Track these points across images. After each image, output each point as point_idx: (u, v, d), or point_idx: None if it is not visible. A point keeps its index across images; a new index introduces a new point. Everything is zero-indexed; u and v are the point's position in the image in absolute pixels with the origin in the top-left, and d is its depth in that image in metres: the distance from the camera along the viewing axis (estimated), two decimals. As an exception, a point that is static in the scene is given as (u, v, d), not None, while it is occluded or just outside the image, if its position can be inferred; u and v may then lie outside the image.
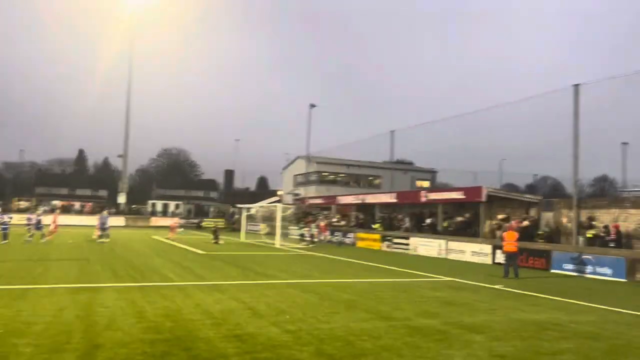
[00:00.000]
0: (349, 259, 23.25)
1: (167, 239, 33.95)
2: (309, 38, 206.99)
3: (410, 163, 74.09)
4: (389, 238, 31.51)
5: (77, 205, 68.04)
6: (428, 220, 31.60)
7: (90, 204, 69.67)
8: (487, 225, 27.29)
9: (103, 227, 29.26)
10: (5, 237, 25.20)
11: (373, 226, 34.70)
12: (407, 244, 29.77)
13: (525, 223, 24.38)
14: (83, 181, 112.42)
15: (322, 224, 37.46)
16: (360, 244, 34.02)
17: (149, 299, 10.66)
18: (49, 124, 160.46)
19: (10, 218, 27.78)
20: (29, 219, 28.05)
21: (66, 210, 65.23)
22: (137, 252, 23.22)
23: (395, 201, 34.93)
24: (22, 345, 6.77)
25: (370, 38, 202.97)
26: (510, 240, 17.99)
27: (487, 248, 24.14)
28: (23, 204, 64.64)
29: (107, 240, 28.54)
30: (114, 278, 13.99)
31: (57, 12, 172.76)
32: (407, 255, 27.97)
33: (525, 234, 23.09)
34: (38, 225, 27.32)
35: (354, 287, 13.79)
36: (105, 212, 36.62)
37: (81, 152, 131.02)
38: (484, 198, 26.84)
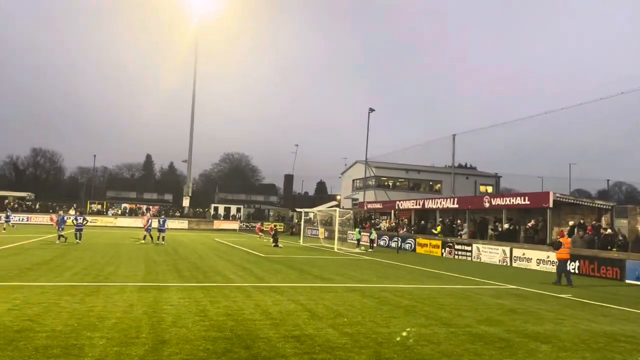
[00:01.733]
0: (408, 265, 22.95)
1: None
2: (367, 41, 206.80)
3: (473, 168, 72.26)
4: (450, 244, 30.85)
5: (144, 208, 71.06)
6: (491, 227, 30.69)
7: (156, 207, 72.52)
8: (555, 233, 26.14)
9: (159, 229, 30.00)
10: (79, 237, 26.69)
11: (434, 231, 34.06)
12: (469, 251, 29.03)
13: (609, 231, 23.13)
14: (150, 185, 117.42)
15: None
16: (420, 250, 33.50)
17: (212, 299, 10.98)
18: (119, 131, 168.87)
19: (86, 220, 29.20)
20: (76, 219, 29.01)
21: (134, 213, 68.22)
22: (200, 254, 23.96)
23: (456, 207, 34.18)
24: (96, 338, 7.16)
25: (429, 40, 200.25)
26: (566, 247, 17.49)
27: (555, 256, 23.10)
28: (95, 206, 68.22)
29: (146, 241, 29.33)
30: (179, 278, 14.51)
31: (125, 22, 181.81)
32: (468, 262, 27.28)
33: (605, 242, 21.99)
34: (78, 227, 27.49)
35: (413, 293, 13.60)
36: (149, 214, 38.47)
37: (148, 157, 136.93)
38: (550, 204, 25.76)
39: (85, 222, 28.64)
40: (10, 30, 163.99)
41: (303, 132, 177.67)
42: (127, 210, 68.90)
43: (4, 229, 37.49)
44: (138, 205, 72.76)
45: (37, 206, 63.33)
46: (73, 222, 29.65)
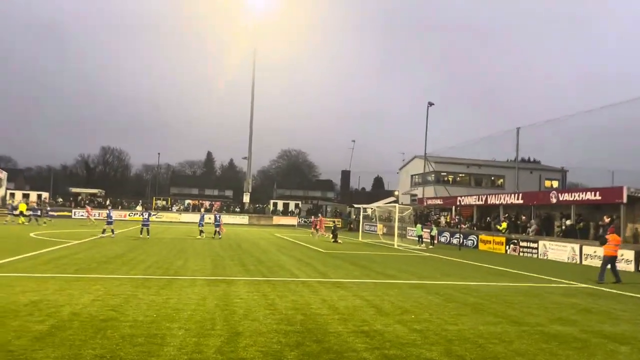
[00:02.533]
0: (472, 262, 22.49)
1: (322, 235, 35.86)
2: (424, 34, 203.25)
3: (537, 162, 69.64)
4: (514, 241, 29.95)
5: (206, 204, 73.24)
6: (558, 223, 29.51)
7: (218, 202, 74.57)
8: (629, 229, 24.83)
9: (215, 224, 31.08)
10: (146, 232, 27.92)
11: (499, 227, 33.15)
12: (535, 248, 28.07)
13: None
14: (211, 182, 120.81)
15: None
16: (482, 247, 32.73)
17: (279, 293, 11.24)
18: (181, 129, 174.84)
19: (150, 215, 30.40)
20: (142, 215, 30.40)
21: (196, 209, 70.40)
22: (263, 248, 24.49)
23: (521, 202, 33.11)
24: (175, 329, 7.52)
25: (489, 31, 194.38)
26: (613, 244, 16.67)
27: (630, 254, 21.97)
28: (160, 202, 70.99)
29: (220, 236, 30.35)
30: (245, 272, 14.91)
31: (184, 22, 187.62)
32: (535, 260, 26.41)
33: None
34: (145, 223, 28.53)
35: (480, 291, 13.34)
36: (215, 211, 39.89)
37: (209, 154, 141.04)
38: (624, 199, 24.47)
39: (151, 215, 30.02)
40: (82, 35, 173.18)
41: (360, 128, 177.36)
42: (190, 206, 71.21)
43: (91, 223, 39.70)
44: (200, 201, 75.04)
45: (107, 202, 66.57)
46: (142, 218, 30.99)
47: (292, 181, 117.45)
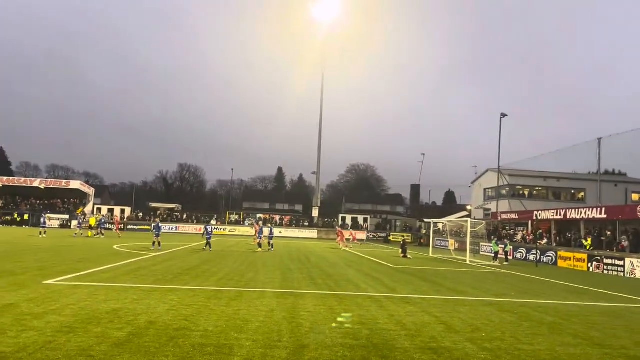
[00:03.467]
0: (550, 280, 21.37)
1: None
2: (494, 43, 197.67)
3: (623, 174, 65.27)
4: (598, 258, 28.14)
5: (277, 218, 74.60)
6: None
7: (288, 217, 75.70)
8: None
9: (269, 237, 31.53)
10: (209, 245, 29.11)
11: (584, 243, 31.26)
12: (621, 265, 26.24)
13: None
14: (281, 196, 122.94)
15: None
16: (562, 263, 31.01)
17: (346, 307, 11.21)
18: (253, 145, 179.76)
19: (211, 228, 30.99)
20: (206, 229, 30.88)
21: (268, 222, 71.73)
22: (331, 262, 24.55)
23: (604, 217, 31.14)
24: (243, 340, 7.70)
25: (565, 39, 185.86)
26: None
27: None
28: (234, 217, 73.11)
29: (260, 249, 30.73)
30: (313, 286, 15.01)
31: (255, 39, 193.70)
32: (621, 278, 24.67)
33: None
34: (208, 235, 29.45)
35: (558, 310, 12.63)
36: (261, 223, 40.51)
37: (280, 169, 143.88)
38: None
39: (214, 229, 31.26)
40: (156, 60, 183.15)
41: (430, 141, 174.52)
42: (262, 220, 72.72)
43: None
44: (271, 215, 76.50)
45: (184, 217, 69.44)
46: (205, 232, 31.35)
47: (361, 195, 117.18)
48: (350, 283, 16.11)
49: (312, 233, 66.60)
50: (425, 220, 61.93)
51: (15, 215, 64.10)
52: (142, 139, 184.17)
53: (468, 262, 29.52)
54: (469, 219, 34.42)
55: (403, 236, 54.44)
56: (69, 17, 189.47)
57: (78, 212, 60.45)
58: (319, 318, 9.77)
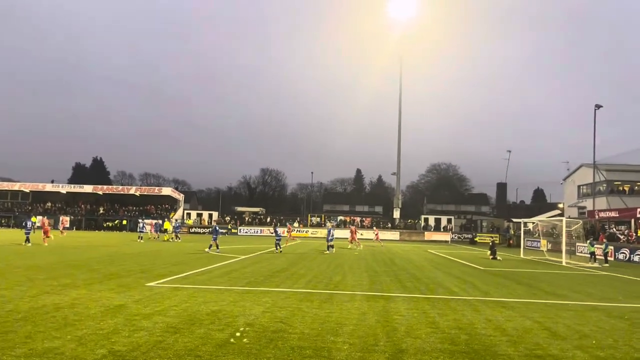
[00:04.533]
0: (660, 282, 19.64)
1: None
2: (576, 33, 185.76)
3: None
4: None
5: (357, 220, 74.58)
6: None
7: (369, 218, 75.46)
8: None
9: (330, 238, 31.56)
10: (278, 247, 30.20)
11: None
12: None
13: None
14: (361, 198, 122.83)
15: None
16: (671, 264, 28.43)
17: (439, 311, 10.93)
18: (332, 148, 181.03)
19: (297, 229, 32.34)
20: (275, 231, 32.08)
21: (347, 224, 71.86)
22: (417, 265, 24.11)
23: None
24: (339, 343, 7.71)
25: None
26: None
27: None
28: (315, 219, 73.95)
29: (334, 250, 30.88)
30: (402, 288, 14.80)
31: (332, 41, 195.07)
32: None
33: None
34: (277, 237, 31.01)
35: (675, 316, 11.55)
36: (329, 225, 40.18)
37: (358, 171, 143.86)
38: None
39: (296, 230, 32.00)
40: (234, 70, 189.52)
41: (516, 137, 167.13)
42: (343, 222, 72.98)
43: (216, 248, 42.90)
44: (352, 217, 76.56)
45: (268, 219, 71.23)
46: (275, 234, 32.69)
47: (443, 195, 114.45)
48: (440, 286, 15.71)
49: (394, 235, 65.88)
50: (514, 220, 59.34)
51: (116, 222, 68.84)
52: (226, 146, 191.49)
53: (564, 264, 27.85)
54: (564, 218, 32.50)
55: (491, 237, 52.53)
56: (143, 30, 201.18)
57: (171, 216, 63.85)
58: (413, 322, 9.59)
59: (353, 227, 43.50)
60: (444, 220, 71.32)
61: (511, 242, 54.55)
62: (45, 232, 32.44)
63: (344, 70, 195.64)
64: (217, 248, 29.42)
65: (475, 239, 61.86)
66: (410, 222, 73.92)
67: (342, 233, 66.99)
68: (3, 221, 68.45)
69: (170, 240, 41.05)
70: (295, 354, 6.97)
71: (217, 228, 30.70)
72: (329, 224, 62.82)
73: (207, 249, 29.02)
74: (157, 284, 13.89)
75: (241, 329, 8.30)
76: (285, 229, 44.10)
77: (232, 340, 7.59)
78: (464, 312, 10.87)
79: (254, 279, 15.71)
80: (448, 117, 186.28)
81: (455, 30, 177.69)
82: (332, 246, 31.31)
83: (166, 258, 23.04)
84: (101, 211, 72.10)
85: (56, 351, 6.71)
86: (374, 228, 58.79)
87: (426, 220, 71.98)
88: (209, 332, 8.15)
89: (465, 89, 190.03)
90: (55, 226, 61.97)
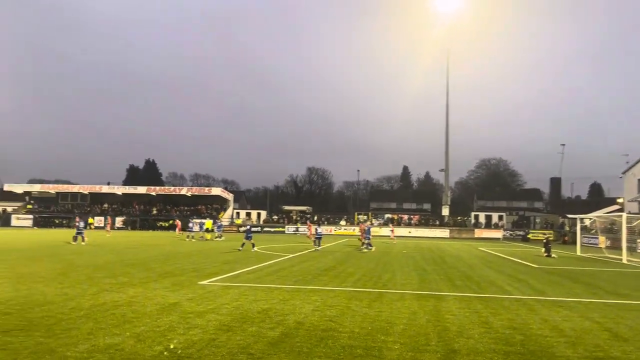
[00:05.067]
0: None
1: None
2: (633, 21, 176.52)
3: None
4: None
5: (405, 217, 73.87)
6: None
7: (417, 216, 74.58)
8: None
9: (367, 237, 31.16)
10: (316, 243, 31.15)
11: None
12: None
13: None
14: (408, 195, 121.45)
15: None
16: None
17: (492, 310, 10.68)
18: (378, 145, 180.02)
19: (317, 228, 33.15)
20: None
21: (397, 223, 71.30)
22: (468, 263, 23.63)
23: None
24: (390, 342, 7.67)
25: None
26: None
27: None
28: (362, 217, 73.75)
29: (373, 248, 30.67)
30: (453, 287, 14.54)
31: (374, 38, 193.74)
32: None
33: None
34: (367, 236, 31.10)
35: None
36: (368, 223, 39.87)
37: (405, 168, 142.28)
38: None
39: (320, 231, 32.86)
40: (279, 68, 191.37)
41: (569, 130, 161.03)
42: (390, 220, 72.46)
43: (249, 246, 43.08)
44: (399, 215, 75.92)
45: (315, 218, 71.60)
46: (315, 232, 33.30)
47: (494, 192, 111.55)
48: (492, 285, 15.34)
49: (444, 232, 64.86)
50: (569, 216, 57.17)
51: (170, 222, 70.90)
52: (273, 145, 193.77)
53: (624, 261, 26.60)
54: (623, 213, 31.05)
55: (545, 234, 50.93)
56: (189, 31, 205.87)
57: (220, 216, 65.23)
58: (466, 322, 9.41)
59: (362, 225, 43.30)
60: (495, 217, 69.58)
61: (566, 239, 52.63)
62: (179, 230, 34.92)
63: (389, 65, 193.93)
64: (253, 247, 29.14)
65: (528, 236, 60.05)
66: (459, 219, 72.56)
67: (372, 231, 66.42)
68: (64, 222, 71.76)
69: (214, 239, 41.66)
70: (346, 353, 6.98)
71: (251, 228, 31.26)
72: (367, 223, 62.64)
73: (240, 248, 28.76)
74: (209, 282, 14.23)
75: (175, 340, 7.44)
76: (315, 227, 44.10)
77: (165, 353, 6.81)
78: (518, 312, 10.57)
79: (303, 278, 15.83)
80: (498, 111, 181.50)
81: (503, 20, 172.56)
82: (370, 244, 31.06)
83: (217, 257, 23.55)
84: (154, 211, 74.49)
85: (116, 347, 6.99)
86: (390, 225, 58.99)
87: (476, 217, 70.43)
88: (261, 330, 8.28)
89: (514, 81, 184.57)
90: (112, 226, 64.50)
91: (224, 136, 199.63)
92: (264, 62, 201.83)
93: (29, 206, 79.13)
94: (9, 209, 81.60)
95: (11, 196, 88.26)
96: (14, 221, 73.82)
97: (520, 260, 25.95)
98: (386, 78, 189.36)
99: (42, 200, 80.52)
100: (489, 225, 67.91)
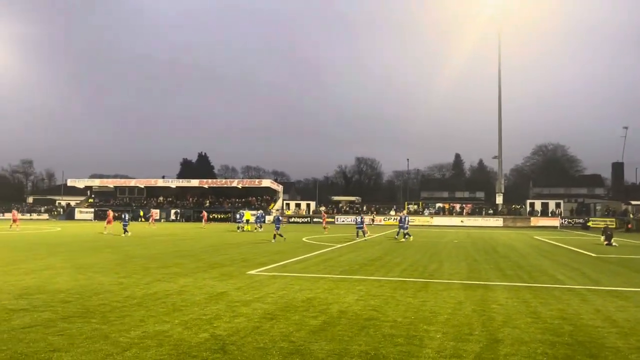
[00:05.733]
0: None
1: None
2: None
3: None
4: None
5: (457, 207, 72.52)
6: None
7: (469, 205, 73.06)
8: None
9: (403, 226, 30.64)
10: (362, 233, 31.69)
11: None
12: None
13: None
14: (460, 184, 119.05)
15: None
16: None
17: (541, 300, 10.38)
18: (428, 133, 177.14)
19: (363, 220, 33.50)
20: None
21: (449, 212, 70.15)
22: (521, 252, 23.01)
23: None
24: (432, 332, 7.62)
25: None
26: None
27: None
28: (412, 207, 73.01)
29: (411, 238, 29.94)
30: (502, 277, 14.22)
31: (430, 24, 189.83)
32: None
33: None
34: (404, 225, 30.65)
35: None
36: (405, 212, 39.15)
37: (457, 156, 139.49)
38: None
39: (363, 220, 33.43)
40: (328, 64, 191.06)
41: (632, 112, 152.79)
42: (442, 209, 71.36)
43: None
44: (452, 204, 74.62)
45: (364, 208, 71.52)
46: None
47: (551, 178, 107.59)
48: (544, 274, 14.89)
49: (497, 221, 63.32)
50: (633, 202, 54.48)
51: (223, 214, 72.67)
52: (322, 136, 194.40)
53: (692, 250, 25.14)
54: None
55: (605, 221, 48.85)
56: (238, 24, 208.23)
57: (270, 207, 66.23)
58: (512, 311, 9.20)
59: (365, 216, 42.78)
60: (552, 204, 67.24)
61: (630, 226, 50.22)
62: (109, 222, 37.15)
63: (438, 48, 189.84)
64: (282, 236, 29.08)
65: (588, 224, 57.72)
66: (514, 207, 70.55)
67: (443, 221, 65.46)
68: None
69: (254, 230, 42.00)
70: (387, 342, 6.99)
71: (280, 218, 31.43)
72: (404, 211, 62.20)
73: (272, 240, 28.45)
74: (257, 272, 14.54)
75: (220, 328, 8.17)
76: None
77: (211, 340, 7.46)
78: (569, 302, 10.23)
79: (349, 268, 15.90)
80: (555, 94, 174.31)
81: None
82: (408, 234, 30.51)
83: (268, 247, 24.00)
84: (207, 204, 76.53)
85: (165, 334, 7.30)
86: (396, 213, 58.30)
87: (532, 205, 68.29)
88: (303, 318, 8.42)
89: (572, 61, 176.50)
90: (167, 218, 66.86)
91: (273, 128, 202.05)
92: (313, 54, 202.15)
93: (90, 200, 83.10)
94: (73, 203, 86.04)
95: (74, 191, 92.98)
96: (77, 215, 77.85)
97: (577, 249, 25.01)
98: (435, 62, 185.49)
99: (102, 194, 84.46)
100: (545, 213, 65.71)
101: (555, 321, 8.44)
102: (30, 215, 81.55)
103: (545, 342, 7.10)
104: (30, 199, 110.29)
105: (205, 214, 55.67)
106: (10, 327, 7.60)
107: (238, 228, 41.80)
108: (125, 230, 34.04)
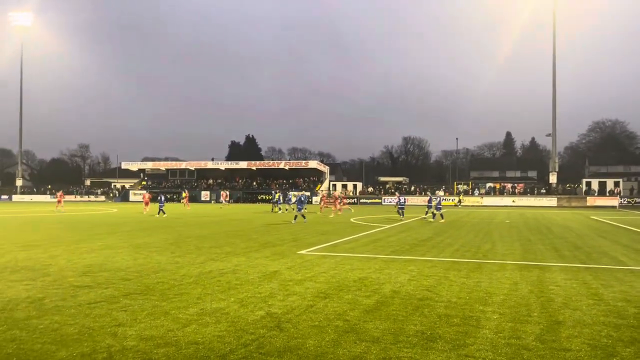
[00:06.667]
0: None
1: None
2: None
3: None
4: None
5: (508, 186, 70.59)
6: None
7: (521, 184, 71.02)
8: None
9: (437, 207, 29.79)
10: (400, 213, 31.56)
11: None
12: None
13: None
14: (512, 163, 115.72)
15: None
16: None
17: (603, 282, 9.99)
18: (478, 112, 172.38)
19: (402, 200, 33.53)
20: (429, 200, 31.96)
21: (500, 192, 68.43)
22: (577, 232, 22.21)
23: None
24: (489, 312, 7.47)
25: None
26: None
27: None
28: (462, 187, 71.57)
29: (442, 220, 28.83)
30: (559, 258, 13.77)
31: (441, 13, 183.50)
32: None
33: None
34: (437, 206, 30.06)
35: None
36: (439, 192, 38.03)
37: (508, 134, 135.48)
38: None
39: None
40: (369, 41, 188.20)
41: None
42: (493, 189, 69.71)
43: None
44: (503, 184, 72.74)
45: (412, 189, 70.74)
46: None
47: (608, 156, 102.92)
48: (605, 255, 14.31)
49: (551, 201, 61.27)
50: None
51: (271, 196, 73.62)
52: (369, 116, 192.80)
53: None
54: None
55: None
56: (299, 20, 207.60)
57: (317, 189, 66.51)
58: (572, 293, 8.90)
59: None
60: (610, 183, 64.38)
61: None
62: (146, 204, 38.71)
63: (485, 21, 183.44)
64: (304, 218, 28.34)
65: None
66: (569, 187, 68.06)
67: (494, 201, 63.97)
68: (174, 196, 77.22)
69: (284, 212, 41.14)
70: (442, 322, 6.92)
71: (303, 198, 29.78)
72: (438, 192, 61.84)
73: (293, 221, 27.99)
74: (308, 251, 14.68)
75: (275, 306, 8.31)
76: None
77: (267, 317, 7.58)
78: (632, 284, 9.80)
79: (400, 248, 15.80)
80: (613, 66, 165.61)
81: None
82: (441, 215, 29.64)
83: (316, 227, 24.17)
84: (255, 185, 77.71)
85: (222, 311, 7.48)
86: (396, 193, 56.77)
87: (588, 184, 65.63)
88: (356, 298, 8.44)
89: (631, 34, 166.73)
90: (217, 200, 68.39)
91: (319, 109, 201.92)
92: (357, 33, 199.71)
93: (143, 183, 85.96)
94: (127, 186, 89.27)
95: (128, 173, 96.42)
96: (132, 197, 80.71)
97: (639, 230, 23.90)
98: (484, 37, 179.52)
99: (154, 177, 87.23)
100: (603, 192, 63.04)
101: (619, 303, 8.11)
102: (89, 197, 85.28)
103: (609, 324, 6.84)
104: (87, 182, 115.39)
105: (224, 193, 56.82)
106: (77, 303, 8.00)
107: (278, 209, 42.11)
108: (161, 211, 34.95)
